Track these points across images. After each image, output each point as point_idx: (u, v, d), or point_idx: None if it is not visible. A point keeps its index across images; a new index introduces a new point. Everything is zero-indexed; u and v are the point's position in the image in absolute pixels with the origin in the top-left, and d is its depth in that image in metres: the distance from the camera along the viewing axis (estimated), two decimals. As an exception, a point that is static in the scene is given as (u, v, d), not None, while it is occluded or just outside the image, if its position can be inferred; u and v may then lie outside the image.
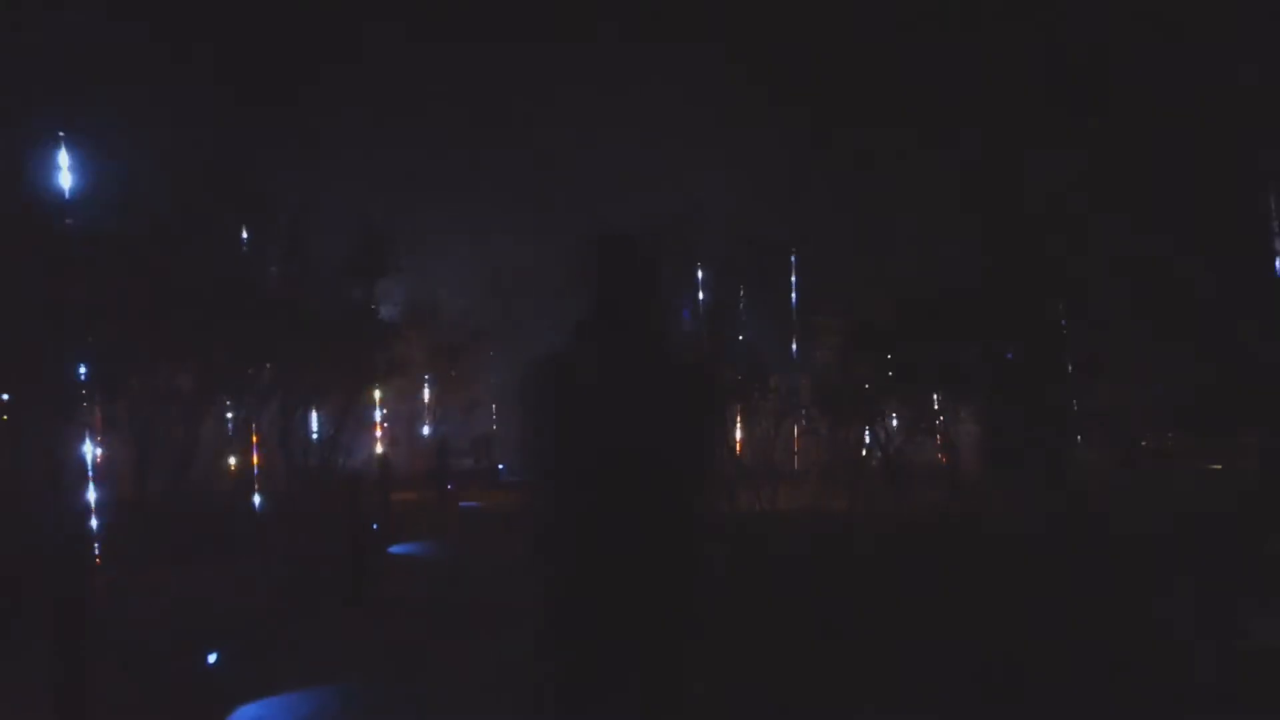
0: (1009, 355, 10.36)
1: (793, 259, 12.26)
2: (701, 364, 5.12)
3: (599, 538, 2.96)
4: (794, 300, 12.54)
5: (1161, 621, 5.97)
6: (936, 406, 12.79)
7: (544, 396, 3.02)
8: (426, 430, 17.16)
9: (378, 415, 14.23)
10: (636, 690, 3.04)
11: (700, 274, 11.99)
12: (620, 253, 3.06)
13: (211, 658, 5.44)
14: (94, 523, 7.11)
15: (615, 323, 3.01)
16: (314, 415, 12.69)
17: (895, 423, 13.18)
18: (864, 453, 13.33)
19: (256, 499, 10.77)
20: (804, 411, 13.23)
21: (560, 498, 3.00)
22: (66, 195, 6.82)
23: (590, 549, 2.98)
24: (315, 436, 12.68)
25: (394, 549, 10.57)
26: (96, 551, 7.04)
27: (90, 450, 7.27)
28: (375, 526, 9.95)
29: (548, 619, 2.99)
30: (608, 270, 3.04)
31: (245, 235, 9.54)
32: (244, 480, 10.78)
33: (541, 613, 2.98)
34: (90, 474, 7.16)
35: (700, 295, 12.16)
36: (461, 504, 15.32)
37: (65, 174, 6.98)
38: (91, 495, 7.13)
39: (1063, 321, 9.85)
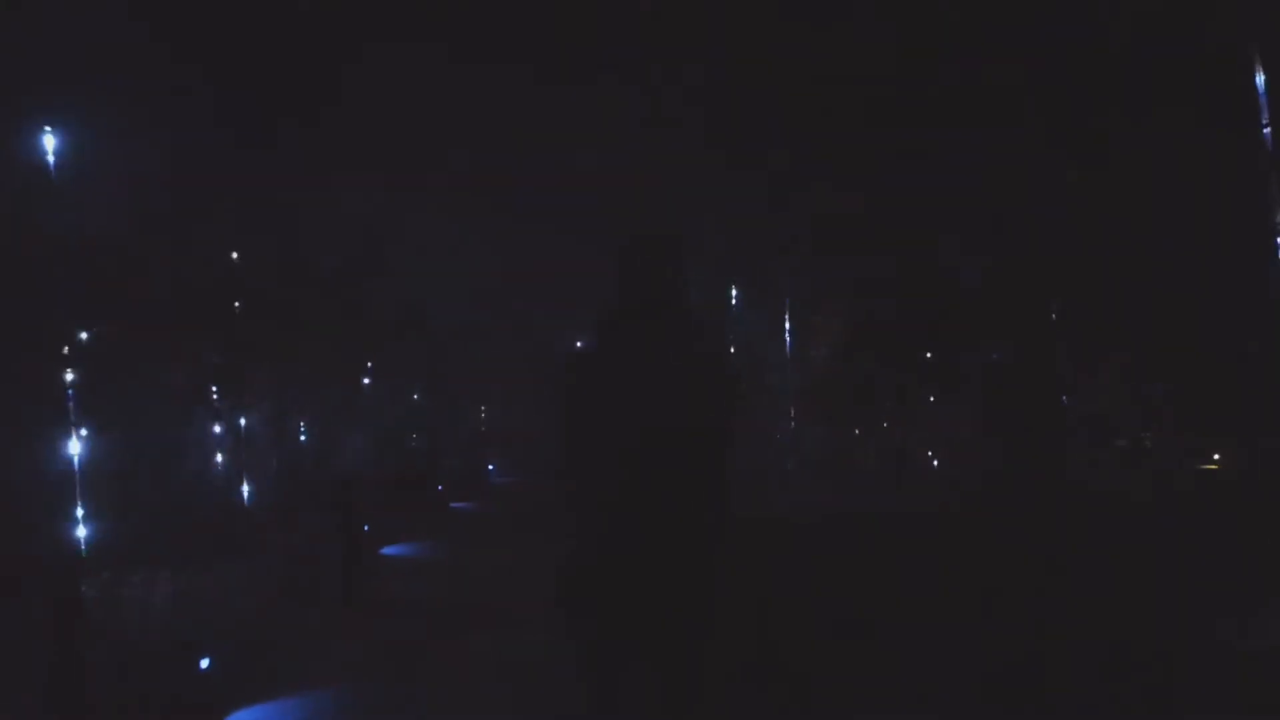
0: (999, 356, 10.41)
1: (788, 258, 12.28)
2: (726, 358, 5.17)
3: (618, 530, 2.97)
4: (788, 300, 12.55)
5: (1161, 621, 5.96)
6: (934, 405, 12.82)
7: (575, 389, 3.06)
8: (416, 432, 17.10)
9: (369, 416, 14.18)
10: (642, 684, 3.07)
11: (697, 273, 11.96)
12: (655, 252, 3.12)
13: (206, 661, 5.40)
14: (89, 524, 7.04)
15: (648, 318, 3.05)
16: (308, 415, 12.64)
17: (891, 423, 13.20)
18: (855, 455, 13.36)
19: (250, 500, 10.70)
20: (792, 411, 13.27)
21: (585, 487, 3.04)
22: (62, 193, 6.75)
23: (608, 542, 3.00)
24: (307, 437, 12.63)
25: (386, 550, 10.56)
26: (91, 553, 6.98)
27: (83, 450, 7.20)
28: (367, 528, 9.94)
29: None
30: (644, 268, 3.08)
31: (244, 234, 9.51)
32: (237, 481, 10.73)
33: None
34: (84, 475, 7.09)
35: (694, 293, 12.13)
36: (452, 504, 15.31)
37: (57, 171, 6.91)
38: (86, 496, 7.06)
39: (1056, 320, 9.87)
